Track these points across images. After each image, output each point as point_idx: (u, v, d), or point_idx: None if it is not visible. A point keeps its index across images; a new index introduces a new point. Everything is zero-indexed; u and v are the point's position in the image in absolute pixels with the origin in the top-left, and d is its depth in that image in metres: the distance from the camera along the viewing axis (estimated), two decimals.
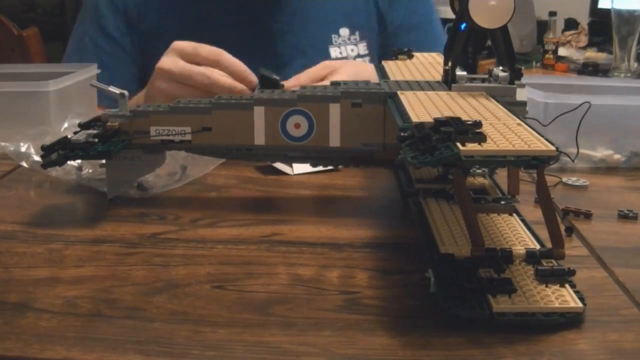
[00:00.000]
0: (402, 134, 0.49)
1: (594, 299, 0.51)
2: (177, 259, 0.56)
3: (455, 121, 0.48)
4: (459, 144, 0.46)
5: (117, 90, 0.68)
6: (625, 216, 0.67)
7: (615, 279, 0.54)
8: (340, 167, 0.79)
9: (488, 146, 0.46)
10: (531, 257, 0.52)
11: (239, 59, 0.89)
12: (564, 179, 0.76)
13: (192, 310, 0.48)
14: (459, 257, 0.51)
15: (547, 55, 1.93)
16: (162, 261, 0.56)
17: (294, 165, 0.78)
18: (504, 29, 0.61)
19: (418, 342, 0.45)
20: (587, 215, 0.67)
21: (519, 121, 0.53)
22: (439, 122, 0.48)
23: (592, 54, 1.98)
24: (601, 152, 0.83)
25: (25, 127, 0.82)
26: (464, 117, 0.50)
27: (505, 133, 0.50)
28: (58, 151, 0.64)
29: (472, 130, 0.47)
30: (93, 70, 0.96)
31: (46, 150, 0.64)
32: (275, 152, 0.69)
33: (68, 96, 0.87)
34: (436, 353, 0.44)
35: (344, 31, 1.17)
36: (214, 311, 0.48)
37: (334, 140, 0.66)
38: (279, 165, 0.78)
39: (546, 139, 0.48)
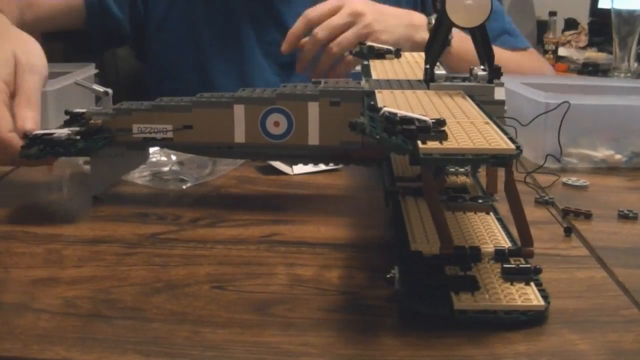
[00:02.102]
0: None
1: (594, 299, 0.51)
2: (177, 259, 0.56)
3: (419, 119, 0.48)
4: (419, 142, 0.46)
5: (100, 89, 0.69)
6: (625, 216, 0.67)
7: (615, 279, 0.54)
8: (340, 166, 0.79)
9: (449, 144, 0.46)
10: (499, 255, 0.52)
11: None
12: (564, 179, 0.76)
13: (192, 311, 0.48)
14: (427, 255, 0.51)
15: (547, 55, 1.93)
16: (162, 261, 0.56)
17: (294, 165, 0.79)
18: (481, 27, 0.61)
19: (418, 342, 0.45)
20: (587, 215, 0.66)
21: (487, 120, 0.53)
22: (403, 120, 0.48)
23: (592, 54, 1.98)
24: (602, 152, 0.83)
25: None
26: (435, 115, 0.50)
27: (470, 131, 0.50)
28: (39, 145, 0.64)
29: (435, 129, 0.47)
30: (91, 70, 0.96)
31: (30, 141, 0.64)
32: (255, 150, 0.69)
33: (66, 96, 0.87)
34: (436, 353, 0.44)
35: None
36: (213, 311, 0.48)
37: (313, 138, 0.67)
38: (279, 165, 0.78)
39: (510, 138, 0.48)
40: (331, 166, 0.79)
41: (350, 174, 0.78)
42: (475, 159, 0.46)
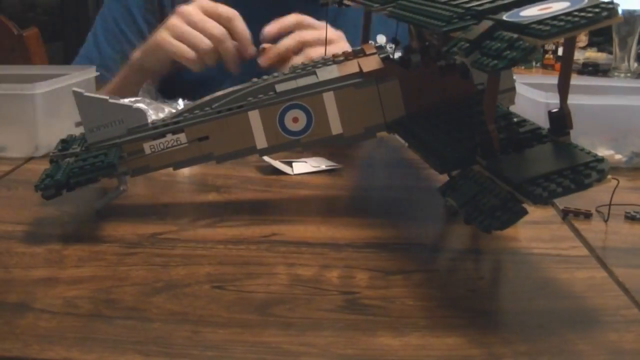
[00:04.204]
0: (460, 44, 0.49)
1: (594, 299, 0.51)
2: (177, 259, 0.56)
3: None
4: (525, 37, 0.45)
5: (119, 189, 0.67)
6: (632, 218, 0.66)
7: (615, 279, 0.54)
8: (340, 166, 0.79)
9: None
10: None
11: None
12: None
13: (192, 311, 0.48)
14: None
15: (547, 55, 1.93)
16: (162, 261, 0.56)
17: (294, 165, 0.79)
18: None
19: (418, 342, 0.45)
20: (587, 215, 0.66)
21: None
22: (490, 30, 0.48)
23: (592, 54, 1.98)
24: (602, 153, 0.82)
25: (10, 131, 0.82)
26: None
27: None
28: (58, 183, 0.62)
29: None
30: (92, 72, 0.95)
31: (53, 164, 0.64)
32: (280, 150, 0.68)
33: (58, 99, 0.85)
34: (436, 353, 0.44)
35: (380, 38, 1.13)
36: (213, 311, 0.48)
37: (335, 128, 0.66)
38: (279, 165, 0.78)
39: None
40: (331, 166, 0.79)
41: (351, 174, 0.78)
42: (587, 17, 0.44)
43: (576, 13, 0.45)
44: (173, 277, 0.53)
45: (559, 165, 0.49)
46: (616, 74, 1.64)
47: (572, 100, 0.74)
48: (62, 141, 0.69)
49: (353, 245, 0.60)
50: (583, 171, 0.47)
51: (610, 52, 1.76)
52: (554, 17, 0.45)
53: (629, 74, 1.62)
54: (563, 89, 0.53)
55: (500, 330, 0.46)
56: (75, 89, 0.64)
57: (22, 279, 0.53)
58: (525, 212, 0.48)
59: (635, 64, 1.65)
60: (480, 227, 0.49)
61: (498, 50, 0.46)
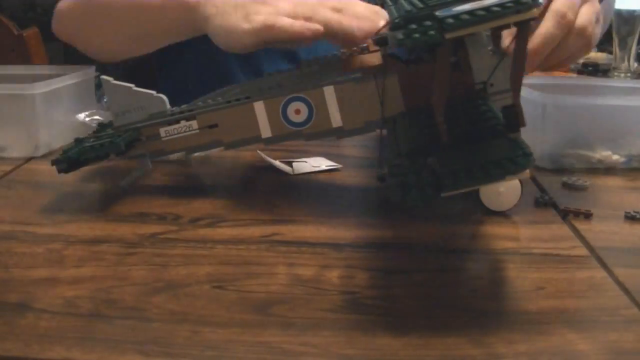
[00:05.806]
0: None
1: (594, 299, 0.51)
2: (177, 259, 0.56)
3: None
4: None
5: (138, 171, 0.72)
6: (632, 217, 0.66)
7: (615, 279, 0.54)
8: (340, 166, 0.79)
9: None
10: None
11: None
12: (564, 179, 0.76)
13: (192, 310, 0.48)
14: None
15: None
16: (162, 261, 0.56)
17: (294, 165, 0.79)
18: None
19: (418, 342, 0.45)
20: (587, 215, 0.66)
21: None
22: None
23: (592, 54, 1.98)
24: (600, 153, 0.83)
25: (10, 131, 0.82)
26: None
27: None
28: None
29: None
30: (92, 72, 0.95)
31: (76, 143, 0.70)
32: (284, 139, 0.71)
33: (58, 99, 0.86)
34: (436, 353, 0.44)
35: None
36: (213, 311, 0.48)
37: (336, 121, 0.68)
38: (279, 165, 0.78)
39: None
40: (331, 166, 0.79)
41: (351, 174, 0.78)
42: (498, 10, 0.44)
43: (494, 7, 0.45)
44: (173, 277, 0.53)
45: (487, 158, 0.50)
46: (616, 74, 1.64)
47: (572, 100, 0.74)
48: (100, 124, 0.75)
49: (353, 245, 0.60)
50: (504, 164, 0.48)
51: (610, 52, 1.76)
52: (471, 11, 0.45)
53: (629, 74, 1.62)
54: (515, 83, 0.53)
55: (500, 330, 0.46)
56: (103, 76, 0.71)
57: (22, 279, 0.53)
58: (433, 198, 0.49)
59: (635, 64, 1.64)
60: (393, 198, 0.50)
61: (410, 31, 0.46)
